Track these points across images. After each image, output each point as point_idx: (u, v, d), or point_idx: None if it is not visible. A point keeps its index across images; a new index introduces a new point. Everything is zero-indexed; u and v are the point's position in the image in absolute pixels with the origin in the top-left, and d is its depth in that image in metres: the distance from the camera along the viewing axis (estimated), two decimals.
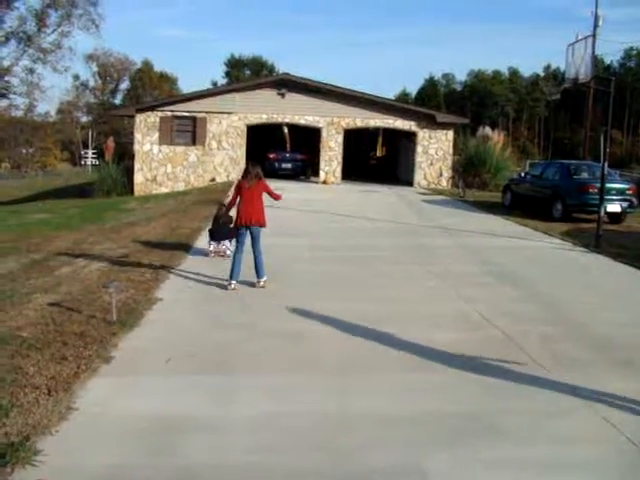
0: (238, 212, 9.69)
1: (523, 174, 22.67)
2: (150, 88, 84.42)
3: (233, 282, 9.48)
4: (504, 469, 4.51)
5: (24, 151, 72.63)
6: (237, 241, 9.82)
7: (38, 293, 8.82)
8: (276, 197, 10.25)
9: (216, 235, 11.76)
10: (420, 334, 7.41)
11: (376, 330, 7.53)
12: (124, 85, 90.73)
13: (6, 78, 42.29)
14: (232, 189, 9.89)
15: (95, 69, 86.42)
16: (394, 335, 7.37)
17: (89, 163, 61.46)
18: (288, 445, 4.75)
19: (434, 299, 9.26)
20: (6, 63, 41.99)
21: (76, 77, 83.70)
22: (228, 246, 11.58)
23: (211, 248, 11.74)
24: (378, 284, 10.09)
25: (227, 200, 10.85)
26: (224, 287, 9.44)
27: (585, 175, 19.14)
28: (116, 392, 5.60)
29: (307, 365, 6.45)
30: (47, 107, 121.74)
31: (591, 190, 17.35)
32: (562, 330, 7.82)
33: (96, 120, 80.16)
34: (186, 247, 12.55)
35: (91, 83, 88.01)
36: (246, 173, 9.84)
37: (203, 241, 12.61)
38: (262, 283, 9.66)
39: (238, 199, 9.77)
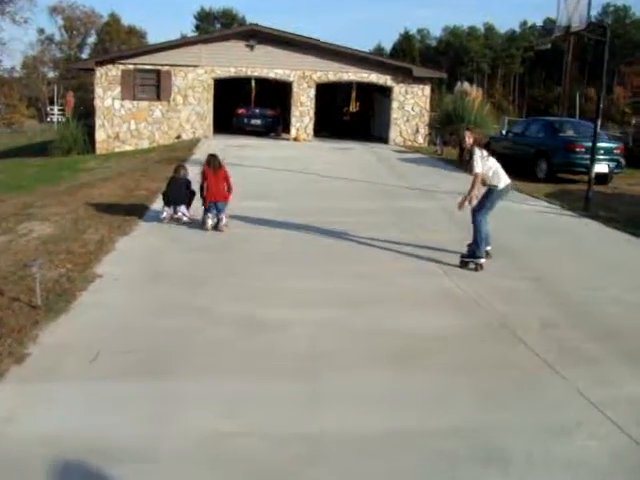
0: (206, 193, 10.20)
1: (504, 132, 21.60)
2: (118, 42, 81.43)
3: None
4: None
5: None
6: (205, 210, 10.19)
7: None
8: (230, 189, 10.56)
9: (171, 199, 10.56)
10: (407, 320, 6.39)
11: (355, 315, 6.48)
12: (91, 39, 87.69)
13: None
14: (199, 176, 10.57)
15: (60, 22, 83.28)
16: (378, 320, 6.35)
17: (55, 120, 59.09)
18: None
19: (418, 273, 8.20)
20: None
21: (41, 31, 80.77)
22: (185, 212, 10.44)
23: (164, 215, 10.51)
24: (359, 258, 8.88)
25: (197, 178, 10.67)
26: (175, 263, 8.37)
27: (571, 133, 18.09)
28: (22, 404, 4.45)
29: (269, 366, 5.22)
30: (12, 62, 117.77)
31: (578, 149, 16.42)
32: (559, 312, 6.83)
33: (63, 75, 77.22)
34: (141, 211, 11.32)
35: (57, 37, 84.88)
36: (208, 163, 10.33)
37: (160, 203, 11.34)
38: (225, 221, 10.14)
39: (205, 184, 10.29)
